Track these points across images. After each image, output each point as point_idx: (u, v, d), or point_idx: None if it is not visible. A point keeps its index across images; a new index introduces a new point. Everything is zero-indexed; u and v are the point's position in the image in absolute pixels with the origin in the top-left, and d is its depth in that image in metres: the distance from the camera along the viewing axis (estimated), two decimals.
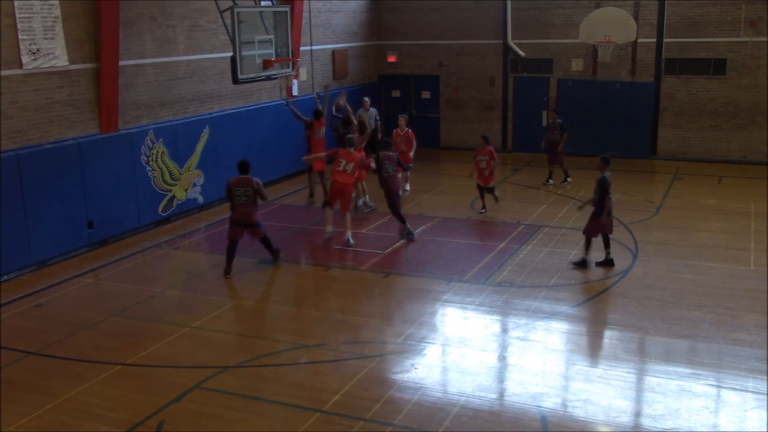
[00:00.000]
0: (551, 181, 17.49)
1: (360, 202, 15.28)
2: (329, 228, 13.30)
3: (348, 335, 9.75)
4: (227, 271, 11.92)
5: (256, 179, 11.84)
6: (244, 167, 11.95)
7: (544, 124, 21.28)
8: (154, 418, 7.70)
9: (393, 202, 13.54)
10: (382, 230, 14.27)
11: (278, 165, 18.21)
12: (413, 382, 8.38)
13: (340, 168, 13.15)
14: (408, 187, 16.71)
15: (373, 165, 13.67)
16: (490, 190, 15.22)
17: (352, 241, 13.22)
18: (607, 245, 11.88)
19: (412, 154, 16.38)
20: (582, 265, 11.84)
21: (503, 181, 18.30)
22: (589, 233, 11.86)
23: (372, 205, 15.34)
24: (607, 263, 11.85)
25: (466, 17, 21.74)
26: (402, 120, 16.65)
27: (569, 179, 17.40)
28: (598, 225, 11.75)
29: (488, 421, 7.52)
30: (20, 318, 10.49)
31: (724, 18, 19.05)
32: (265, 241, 12.25)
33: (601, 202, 11.62)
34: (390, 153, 13.75)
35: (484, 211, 15.17)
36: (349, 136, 13.71)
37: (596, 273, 11.67)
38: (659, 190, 17.21)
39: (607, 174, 11.71)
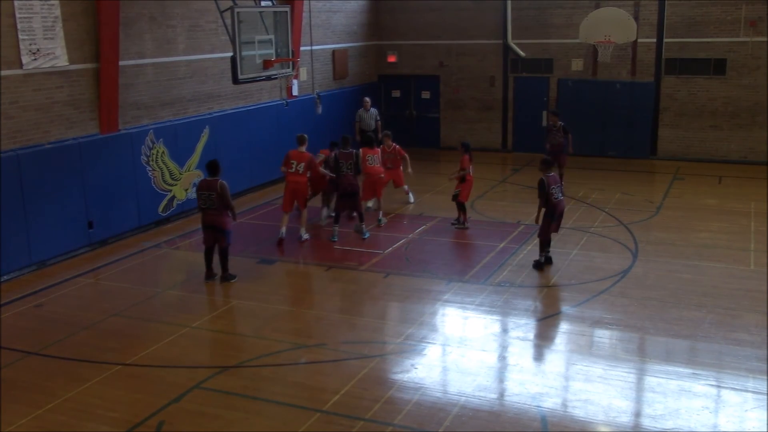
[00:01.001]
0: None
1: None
2: (283, 229, 13.66)
3: (348, 335, 9.75)
4: (207, 276, 11.73)
5: (222, 182, 11.17)
6: (210, 168, 11.33)
7: (544, 124, 21.30)
8: (154, 418, 7.70)
9: (353, 198, 13.47)
10: (382, 231, 14.27)
11: (278, 165, 18.10)
12: (413, 382, 8.38)
13: (292, 169, 13.42)
14: (412, 200, 16.06)
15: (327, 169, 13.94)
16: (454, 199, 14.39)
17: (305, 237, 13.64)
18: (548, 244, 11.92)
19: (410, 170, 15.49)
20: (537, 266, 11.86)
21: (503, 181, 18.32)
22: (539, 235, 11.94)
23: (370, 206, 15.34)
24: (539, 264, 11.90)
25: (466, 17, 21.74)
26: (387, 138, 15.42)
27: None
28: (544, 225, 11.79)
29: (488, 421, 7.52)
30: (20, 318, 10.48)
31: (724, 18, 19.05)
32: (223, 254, 11.58)
33: (542, 202, 11.69)
34: (348, 151, 13.63)
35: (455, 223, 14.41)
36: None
37: (596, 273, 11.67)
38: (659, 190, 17.21)
39: (549, 175, 11.64)
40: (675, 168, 19.29)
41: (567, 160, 17.12)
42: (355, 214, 14.03)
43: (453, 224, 14.38)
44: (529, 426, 7.42)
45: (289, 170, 13.45)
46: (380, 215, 14.71)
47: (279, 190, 17.39)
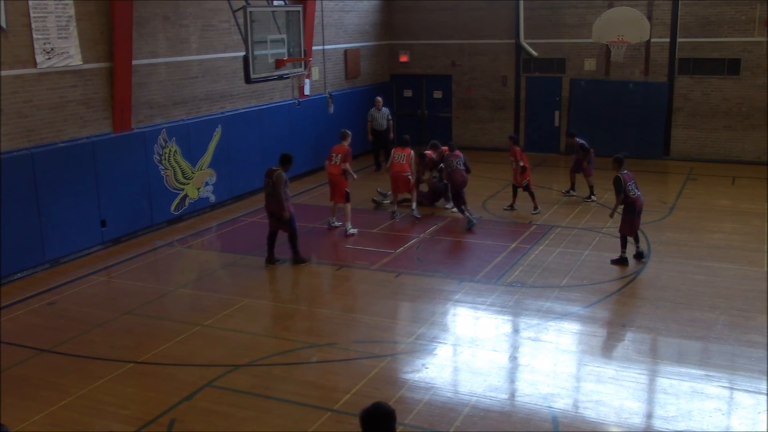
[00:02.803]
0: (573, 192, 16.59)
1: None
2: (332, 218, 14.46)
3: (359, 334, 9.76)
4: (267, 260, 12.34)
5: (279, 173, 11.92)
6: (280, 158, 12.22)
7: (557, 124, 21.26)
8: (166, 415, 7.73)
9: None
10: (393, 230, 14.27)
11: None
12: (424, 381, 8.37)
13: (332, 162, 14.11)
14: (418, 214, 15.12)
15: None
16: (526, 189, 15.20)
17: (351, 231, 13.96)
18: (634, 241, 12.17)
19: (418, 179, 15.51)
20: (620, 262, 11.99)
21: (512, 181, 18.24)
22: (621, 231, 12.09)
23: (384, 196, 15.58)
24: (621, 260, 12.02)
25: (479, 17, 21.71)
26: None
27: (594, 197, 16.03)
28: (625, 223, 12.01)
29: (499, 422, 7.50)
30: (33, 316, 10.55)
31: (738, 18, 18.93)
32: (290, 239, 12.31)
33: (620, 199, 11.95)
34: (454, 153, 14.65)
35: (508, 209, 15.33)
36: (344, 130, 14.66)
37: (608, 274, 11.63)
38: (672, 190, 17.12)
39: (623, 172, 11.98)
40: (688, 168, 19.18)
41: (590, 171, 16.23)
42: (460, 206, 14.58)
43: (505, 209, 15.35)
44: (540, 427, 7.40)
45: (330, 162, 14.14)
46: (395, 209, 15.10)
47: (292, 189, 17.41)
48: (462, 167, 14.36)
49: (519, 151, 15.10)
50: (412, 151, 14.89)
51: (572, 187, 16.69)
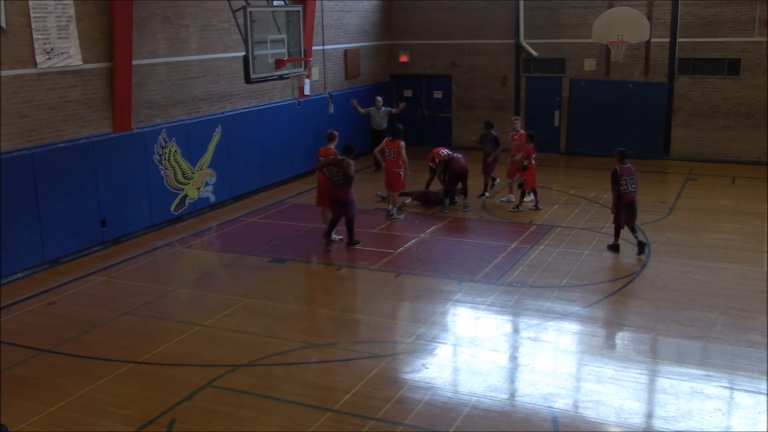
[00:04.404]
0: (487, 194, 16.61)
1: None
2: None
3: (359, 335, 9.76)
4: (327, 243, 13.05)
5: (348, 161, 12.67)
6: (344, 148, 12.99)
7: (557, 124, 21.26)
8: (166, 416, 7.73)
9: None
10: (393, 230, 14.27)
11: (290, 165, 18.25)
12: (424, 381, 8.37)
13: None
14: (398, 217, 14.89)
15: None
16: (520, 187, 15.35)
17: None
18: (632, 234, 12.48)
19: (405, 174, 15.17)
20: (612, 248, 12.58)
21: (513, 181, 18.24)
22: (614, 222, 12.58)
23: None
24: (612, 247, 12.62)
25: (479, 17, 21.71)
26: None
27: (487, 194, 16.42)
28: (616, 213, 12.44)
29: (499, 422, 7.51)
30: (33, 316, 10.55)
31: (738, 18, 18.93)
32: (349, 224, 12.96)
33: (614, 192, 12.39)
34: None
35: (514, 210, 15.25)
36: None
37: (608, 274, 11.63)
38: (672, 190, 17.12)
39: (619, 166, 12.31)
40: (688, 168, 19.18)
41: (492, 168, 16.35)
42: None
43: (512, 210, 15.30)
44: (540, 427, 7.40)
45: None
46: (390, 208, 15.01)
47: (291, 190, 17.51)
48: (460, 155, 15.09)
49: (532, 149, 15.06)
50: (401, 143, 14.73)
51: (488, 187, 16.74)
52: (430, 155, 15.99)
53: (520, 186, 15.34)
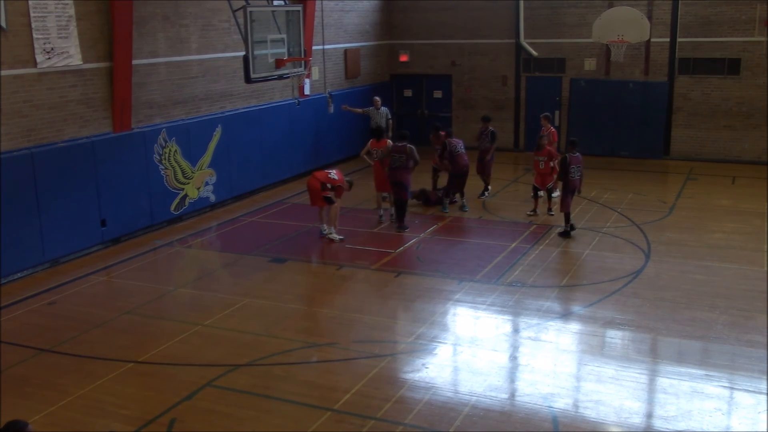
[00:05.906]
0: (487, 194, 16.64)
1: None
2: (323, 226, 13.86)
3: (359, 334, 9.75)
4: (399, 227, 13.95)
5: (410, 146, 13.77)
6: (400, 135, 14.20)
7: (557, 124, 21.22)
8: (166, 415, 7.73)
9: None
10: (393, 230, 14.26)
11: (290, 164, 18.25)
12: (424, 381, 8.37)
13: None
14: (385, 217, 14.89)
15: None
16: (549, 191, 15.07)
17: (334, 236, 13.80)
18: (565, 220, 13.42)
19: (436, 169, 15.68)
20: (563, 234, 13.41)
21: (515, 180, 18.28)
22: (561, 209, 13.63)
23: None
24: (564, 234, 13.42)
25: (479, 16, 21.70)
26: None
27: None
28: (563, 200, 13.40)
29: (499, 422, 7.51)
30: (33, 315, 10.56)
31: (738, 17, 18.92)
32: (403, 205, 13.84)
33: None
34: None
35: (532, 214, 14.91)
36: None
37: (608, 274, 11.63)
38: (672, 190, 17.12)
39: (569, 155, 13.14)
40: (688, 168, 19.18)
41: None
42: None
43: (529, 214, 15.06)
44: (540, 426, 7.40)
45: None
46: (381, 211, 14.90)
47: (290, 189, 17.51)
48: (463, 151, 15.18)
49: (554, 151, 14.93)
50: (388, 141, 14.61)
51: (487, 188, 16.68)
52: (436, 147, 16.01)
53: (550, 190, 15.01)
